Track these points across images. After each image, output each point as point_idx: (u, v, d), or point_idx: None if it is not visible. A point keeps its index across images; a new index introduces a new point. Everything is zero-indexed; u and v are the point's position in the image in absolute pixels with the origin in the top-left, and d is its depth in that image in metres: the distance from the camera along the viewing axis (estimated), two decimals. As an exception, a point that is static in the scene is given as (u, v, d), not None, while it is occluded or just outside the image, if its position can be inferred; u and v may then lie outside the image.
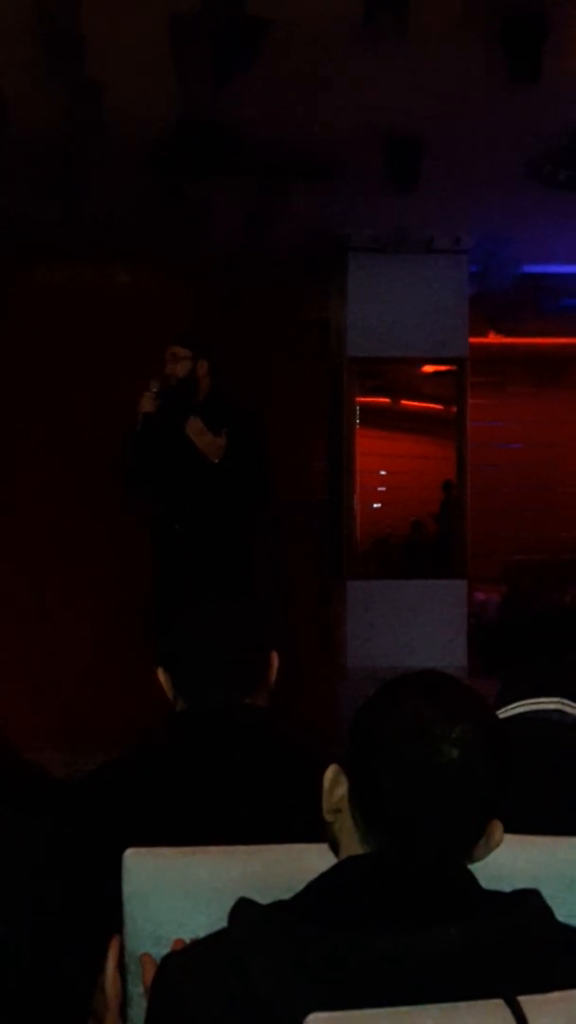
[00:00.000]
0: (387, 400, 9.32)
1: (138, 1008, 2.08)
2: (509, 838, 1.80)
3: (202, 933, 1.79)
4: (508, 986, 1.57)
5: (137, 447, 6.95)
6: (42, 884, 2.23)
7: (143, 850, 2.15)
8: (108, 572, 8.13)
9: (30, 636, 8.12)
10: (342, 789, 1.79)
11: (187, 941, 1.97)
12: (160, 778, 2.57)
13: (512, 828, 1.82)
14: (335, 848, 1.81)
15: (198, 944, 1.74)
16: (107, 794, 2.58)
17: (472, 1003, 1.56)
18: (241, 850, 2.16)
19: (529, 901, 1.69)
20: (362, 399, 8.76)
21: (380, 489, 9.07)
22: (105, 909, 2.15)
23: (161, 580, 6.96)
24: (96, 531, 8.15)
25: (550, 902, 1.71)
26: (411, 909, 1.64)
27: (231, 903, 1.69)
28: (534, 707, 2.83)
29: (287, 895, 1.72)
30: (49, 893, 2.23)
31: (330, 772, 1.81)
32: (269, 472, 6.97)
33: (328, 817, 1.81)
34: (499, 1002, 1.56)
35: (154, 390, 6.92)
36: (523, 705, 2.83)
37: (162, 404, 6.90)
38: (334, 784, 1.80)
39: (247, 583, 6.73)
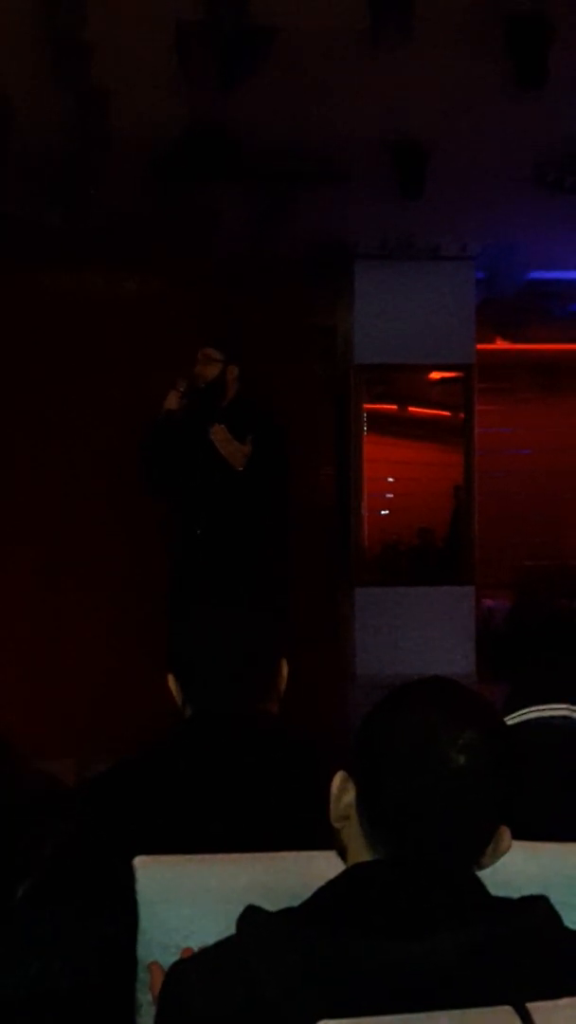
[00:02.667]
0: (394, 407, 9.29)
1: (147, 1016, 2.08)
2: (517, 844, 1.80)
3: (210, 941, 1.79)
4: (517, 992, 1.57)
5: (156, 438, 6.93)
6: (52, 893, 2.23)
7: (151, 858, 2.14)
8: (121, 577, 8.14)
9: (42, 643, 8.12)
10: (350, 796, 1.79)
11: (195, 949, 1.97)
12: (168, 784, 2.57)
13: (520, 834, 1.82)
14: (343, 855, 1.81)
15: (206, 952, 1.74)
16: (113, 800, 2.58)
17: (481, 1010, 1.56)
18: (249, 857, 2.16)
19: (537, 907, 1.69)
20: (369, 406, 8.74)
21: (388, 496, 9.05)
22: (114, 915, 2.15)
23: (177, 585, 6.94)
24: (109, 536, 8.15)
25: (558, 908, 1.71)
26: (419, 915, 1.64)
27: (239, 910, 1.69)
28: (542, 713, 2.83)
29: (295, 902, 1.72)
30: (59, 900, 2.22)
31: (337, 779, 1.81)
32: (287, 478, 6.98)
33: (336, 824, 1.81)
34: (508, 1009, 1.55)
35: (181, 388, 6.91)
36: (531, 711, 2.83)
37: (187, 404, 6.90)
38: (341, 791, 1.80)
39: (261, 589, 6.72)
